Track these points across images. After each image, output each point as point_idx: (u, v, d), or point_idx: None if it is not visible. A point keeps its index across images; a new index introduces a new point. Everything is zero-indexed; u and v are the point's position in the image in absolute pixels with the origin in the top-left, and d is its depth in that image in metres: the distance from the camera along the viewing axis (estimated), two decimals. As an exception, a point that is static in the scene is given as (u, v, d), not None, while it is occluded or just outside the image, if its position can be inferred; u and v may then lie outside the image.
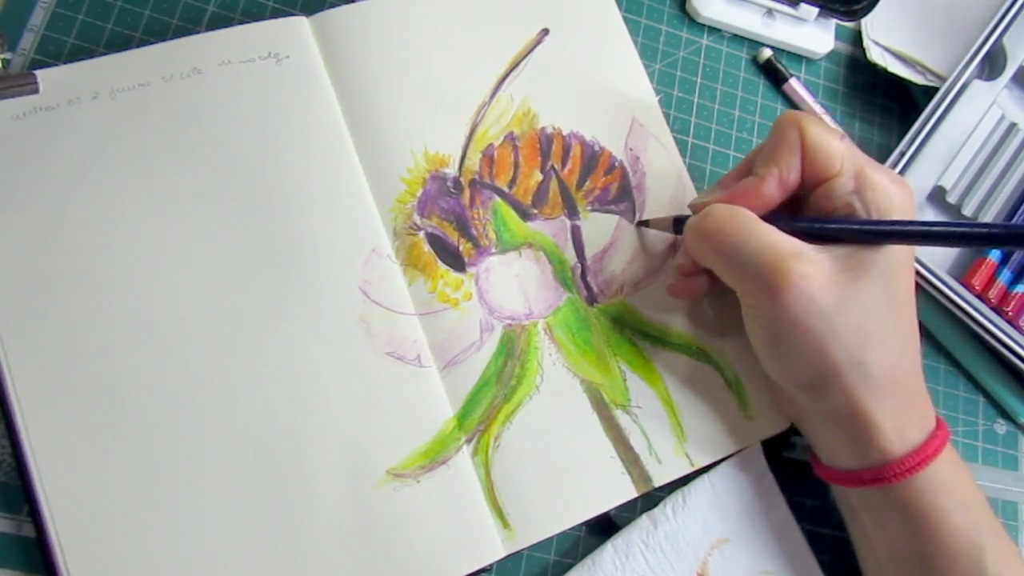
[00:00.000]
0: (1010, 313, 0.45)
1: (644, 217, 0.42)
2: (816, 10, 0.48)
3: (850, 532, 0.39)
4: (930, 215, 0.47)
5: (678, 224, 0.39)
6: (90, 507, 0.33)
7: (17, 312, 0.35)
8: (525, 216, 0.41)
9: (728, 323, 0.41)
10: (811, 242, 0.34)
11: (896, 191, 0.35)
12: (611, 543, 0.38)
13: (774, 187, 0.36)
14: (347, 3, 0.42)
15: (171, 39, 0.40)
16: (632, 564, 0.38)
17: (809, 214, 0.37)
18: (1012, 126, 0.48)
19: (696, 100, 0.47)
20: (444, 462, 0.37)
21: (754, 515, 0.40)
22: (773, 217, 0.36)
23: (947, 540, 0.34)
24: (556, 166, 0.42)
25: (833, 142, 0.35)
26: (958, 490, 0.35)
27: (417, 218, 0.40)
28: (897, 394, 0.34)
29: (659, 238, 0.42)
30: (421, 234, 0.40)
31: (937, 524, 0.34)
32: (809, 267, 0.33)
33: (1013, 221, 0.46)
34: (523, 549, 0.37)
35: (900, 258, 0.35)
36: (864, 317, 0.33)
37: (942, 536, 0.34)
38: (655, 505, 0.39)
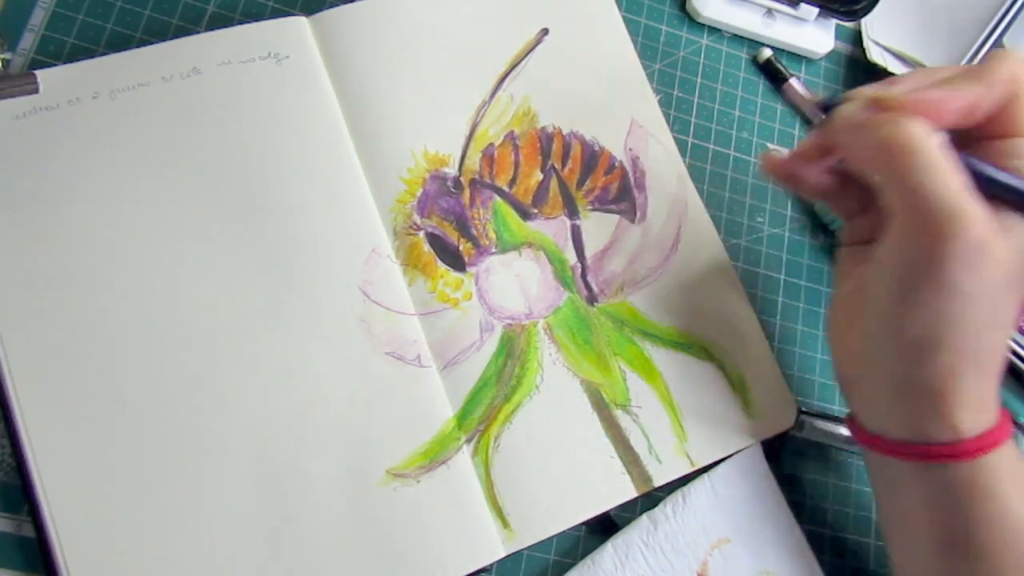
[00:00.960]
0: (1010, 313, 0.44)
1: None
2: (816, 10, 0.48)
3: (883, 510, 0.37)
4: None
5: (827, 107, 0.35)
6: (90, 507, 0.33)
7: (17, 312, 0.35)
8: (525, 216, 0.41)
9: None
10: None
11: None
12: (611, 543, 0.38)
13: (963, 110, 0.32)
14: (347, 3, 0.42)
15: (171, 39, 0.40)
16: (632, 564, 0.38)
17: None
18: (1012, 126, 0.48)
19: (696, 100, 0.47)
20: (444, 462, 0.37)
21: (754, 515, 0.40)
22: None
23: (1007, 524, 0.33)
24: (556, 165, 0.42)
25: None
26: (1020, 476, 0.33)
27: (417, 218, 0.40)
28: (987, 378, 0.33)
29: (660, 238, 0.42)
30: (421, 234, 0.40)
31: (996, 508, 0.33)
32: (987, 231, 0.30)
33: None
34: (523, 549, 0.37)
35: None
36: (1004, 298, 0.32)
37: (999, 521, 0.33)
38: (655, 505, 0.39)
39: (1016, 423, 0.47)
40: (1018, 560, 0.33)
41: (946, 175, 0.31)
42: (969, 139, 0.34)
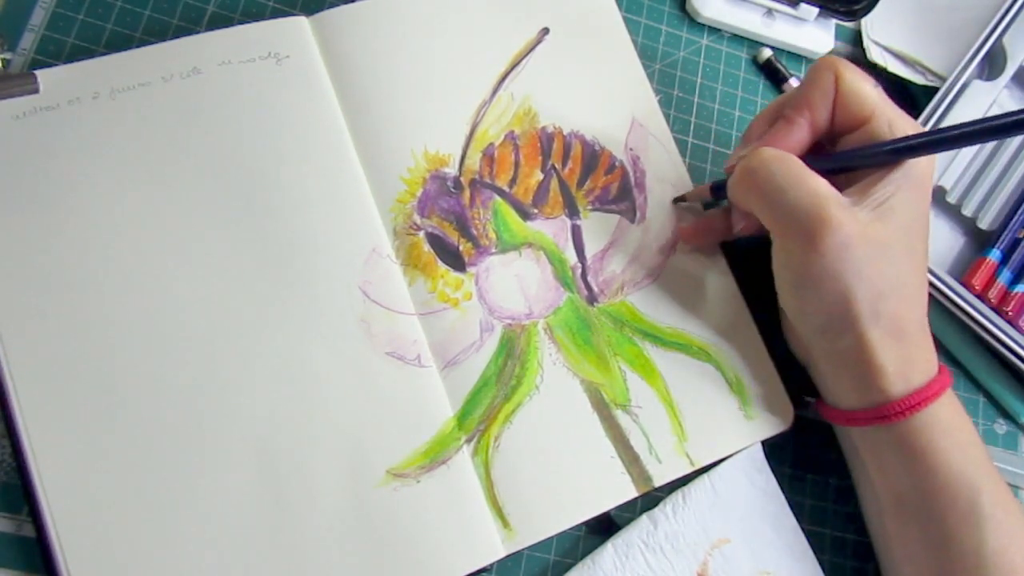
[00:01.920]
0: (1010, 313, 0.45)
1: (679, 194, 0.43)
2: (816, 10, 0.48)
3: (853, 478, 0.41)
4: (930, 215, 0.47)
5: (716, 190, 0.40)
6: (90, 507, 0.33)
7: (17, 312, 0.35)
8: (525, 216, 0.41)
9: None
10: (837, 185, 0.35)
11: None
12: (611, 543, 0.38)
13: (806, 131, 0.37)
14: (347, 3, 0.42)
15: (171, 39, 0.40)
16: (632, 564, 0.38)
17: None
18: (1012, 126, 0.48)
19: (696, 100, 0.47)
20: (444, 462, 0.37)
21: (754, 515, 0.40)
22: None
23: (945, 481, 0.35)
24: (557, 165, 0.42)
25: (867, 88, 0.36)
26: (956, 433, 0.35)
27: (417, 218, 0.40)
28: (904, 339, 0.35)
29: (659, 238, 0.42)
30: (421, 234, 0.40)
31: (935, 464, 0.35)
32: (848, 216, 0.34)
33: (1013, 221, 0.46)
34: (523, 549, 0.37)
35: (920, 209, 0.36)
36: (887, 266, 0.34)
37: (940, 476, 0.35)
38: (655, 505, 0.39)
39: (1016, 423, 0.47)
40: (962, 517, 0.35)
41: (796, 185, 0.35)
42: (834, 137, 0.38)
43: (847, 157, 0.37)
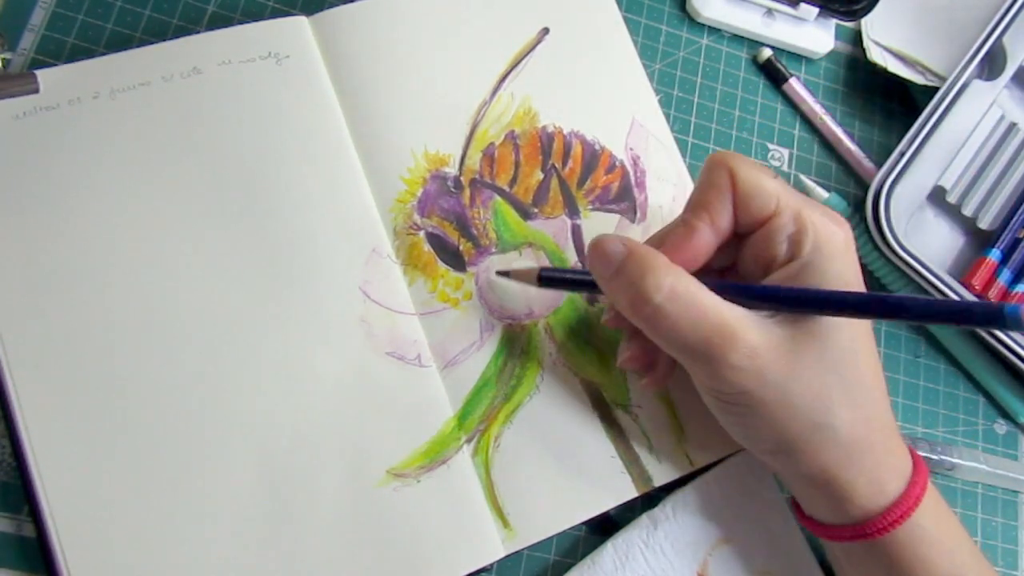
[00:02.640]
0: (1010, 313, 0.44)
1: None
2: (816, 10, 0.48)
3: None
4: (930, 215, 0.47)
5: (544, 280, 0.36)
6: (90, 507, 0.33)
7: (17, 312, 0.35)
8: (526, 215, 0.41)
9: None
10: (745, 305, 0.32)
11: (838, 231, 0.33)
12: (611, 543, 0.38)
13: (708, 235, 0.33)
14: (347, 3, 0.42)
15: (171, 39, 0.40)
16: (632, 564, 0.38)
17: (747, 263, 0.34)
18: (1012, 126, 0.48)
19: (696, 100, 0.47)
20: (444, 462, 0.37)
21: (754, 515, 0.40)
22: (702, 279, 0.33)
23: None
24: (557, 165, 0.42)
25: (766, 181, 0.33)
26: (943, 539, 0.34)
27: (417, 218, 0.40)
28: (871, 448, 0.33)
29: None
30: (421, 234, 0.40)
31: (924, 574, 0.33)
32: (753, 339, 0.31)
33: (1013, 221, 0.46)
34: (523, 549, 0.37)
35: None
36: (824, 379, 0.31)
37: None
38: (655, 505, 0.39)
39: (1016, 423, 0.47)
40: None
41: (694, 318, 0.31)
42: (743, 237, 0.34)
43: (753, 292, 0.32)
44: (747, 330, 0.31)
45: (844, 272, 0.32)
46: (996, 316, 0.28)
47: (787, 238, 0.33)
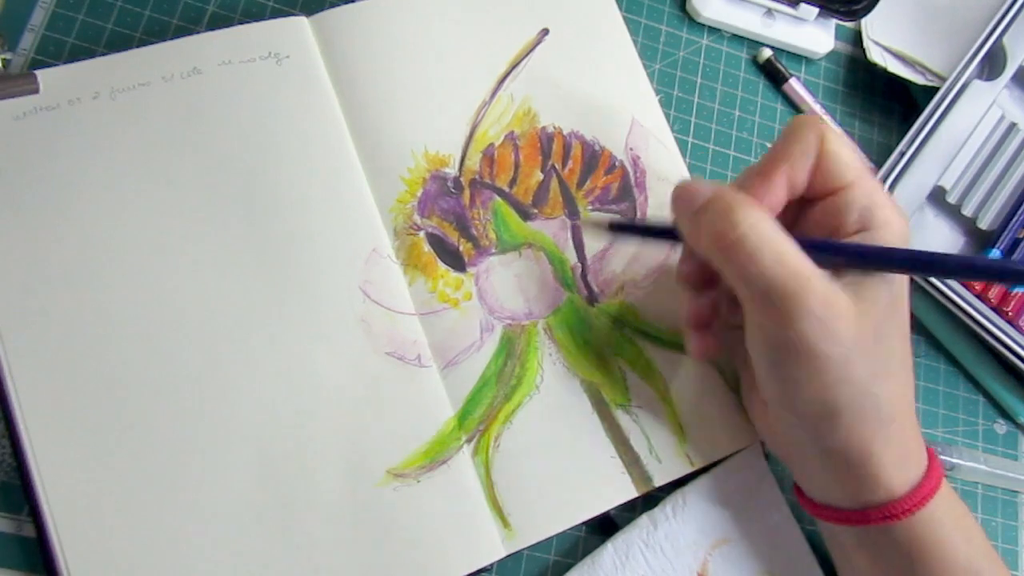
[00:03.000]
0: (1010, 313, 0.45)
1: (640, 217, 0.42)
2: (816, 10, 0.48)
3: (838, 569, 0.38)
4: (930, 215, 0.47)
5: (615, 228, 0.38)
6: (90, 507, 0.33)
7: (17, 311, 0.35)
8: (525, 216, 0.41)
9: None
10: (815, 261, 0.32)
11: (901, 220, 0.33)
12: (611, 543, 0.38)
13: (783, 189, 0.33)
14: (347, 3, 0.42)
15: (171, 39, 0.40)
16: (632, 564, 0.38)
17: (811, 228, 0.34)
18: (1012, 126, 0.48)
19: (696, 100, 0.47)
20: (444, 462, 0.37)
21: (754, 515, 0.40)
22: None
23: (952, 574, 0.33)
24: (557, 165, 0.42)
25: (850, 154, 0.33)
26: (960, 521, 0.34)
27: (417, 218, 0.40)
28: (903, 426, 0.33)
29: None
30: (421, 234, 0.40)
31: (940, 559, 0.33)
32: (831, 294, 0.31)
33: (1013, 221, 0.46)
34: (523, 549, 0.37)
35: (902, 290, 0.33)
36: (880, 347, 0.31)
37: (945, 571, 0.33)
38: (655, 505, 0.39)
39: (1016, 423, 0.47)
40: None
41: (776, 256, 0.31)
42: (807, 203, 0.34)
43: (839, 249, 0.33)
44: (823, 281, 0.31)
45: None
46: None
47: (859, 210, 0.33)
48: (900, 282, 0.33)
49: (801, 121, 0.34)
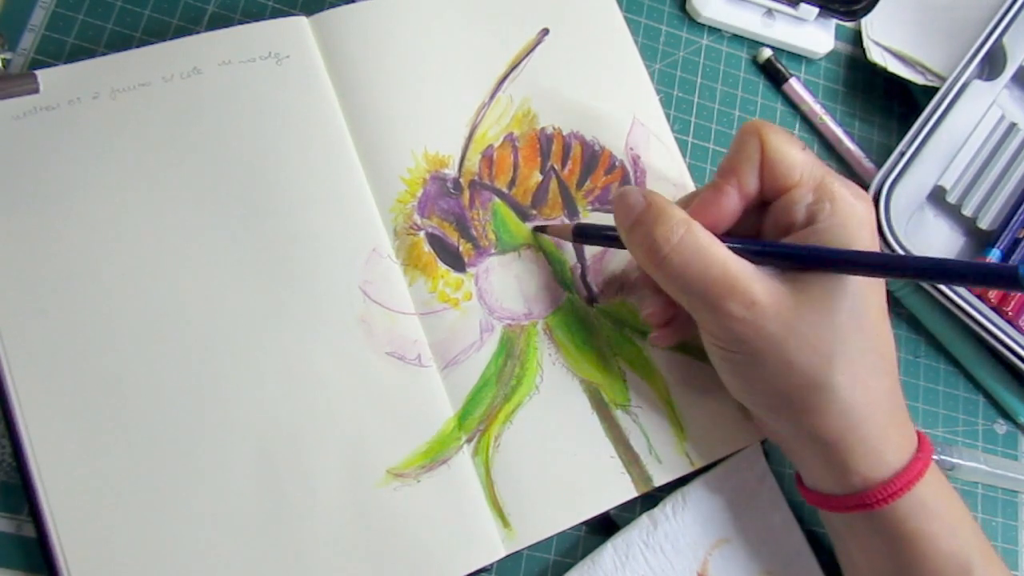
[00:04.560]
0: (1010, 313, 0.45)
1: None
2: (816, 10, 0.48)
3: (837, 555, 0.39)
4: (930, 215, 0.47)
5: (578, 233, 0.39)
6: (90, 507, 0.33)
7: (17, 311, 0.35)
8: (524, 217, 0.41)
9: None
10: (752, 261, 0.33)
11: (857, 204, 0.34)
12: (611, 543, 0.38)
13: (735, 198, 0.35)
14: (347, 3, 0.42)
15: (171, 39, 0.40)
16: (632, 564, 0.38)
17: (770, 228, 0.35)
18: (1012, 126, 0.48)
19: (696, 100, 0.47)
20: (444, 462, 0.37)
21: (754, 515, 0.40)
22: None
23: (934, 566, 0.33)
24: (556, 166, 0.42)
25: (793, 152, 0.34)
26: (944, 514, 0.34)
27: (417, 218, 0.40)
28: (873, 417, 0.33)
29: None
30: (421, 234, 0.40)
31: (923, 549, 0.33)
32: (755, 291, 0.32)
33: (1013, 221, 0.46)
34: (523, 549, 0.37)
35: (862, 282, 0.33)
36: (824, 339, 0.32)
37: (928, 562, 0.33)
38: (655, 505, 0.39)
39: (1016, 423, 0.47)
40: None
41: (702, 266, 0.32)
42: (767, 203, 0.35)
43: (752, 243, 0.34)
44: (750, 282, 0.32)
45: (856, 241, 0.33)
46: (1012, 278, 0.27)
47: (805, 207, 0.34)
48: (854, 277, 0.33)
49: (744, 128, 0.35)
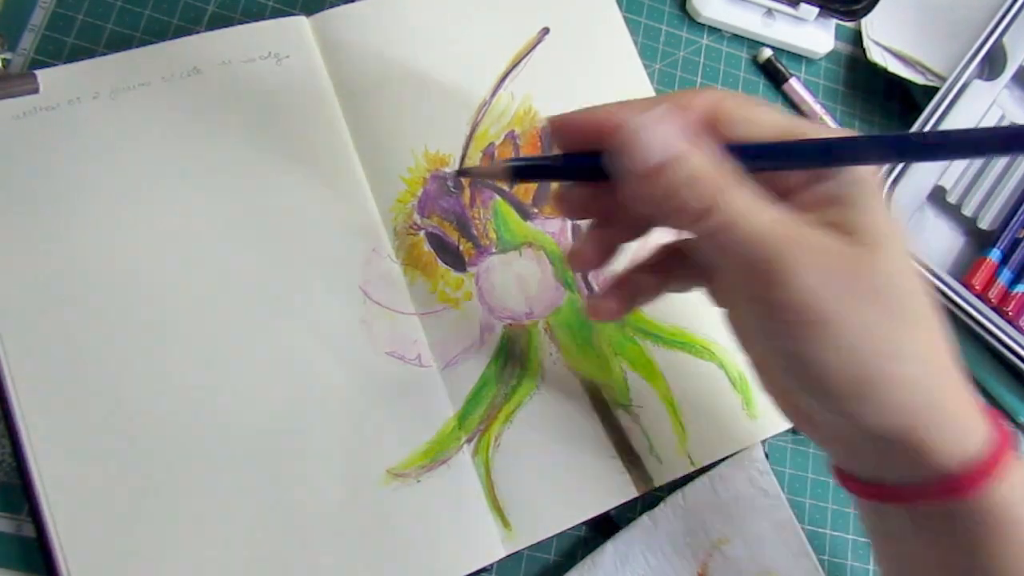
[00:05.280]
0: (1010, 313, 0.45)
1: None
2: (816, 10, 0.48)
3: (884, 560, 0.33)
4: (930, 215, 0.47)
5: (518, 173, 0.31)
6: (90, 507, 0.33)
7: (17, 312, 0.35)
8: (525, 215, 0.41)
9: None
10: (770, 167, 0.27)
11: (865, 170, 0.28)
12: (611, 543, 0.38)
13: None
14: (347, 3, 0.42)
15: (171, 39, 0.40)
16: (632, 564, 0.38)
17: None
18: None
19: (696, 100, 0.47)
20: (444, 462, 0.37)
21: (755, 515, 0.40)
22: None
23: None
24: (556, 166, 0.42)
25: (760, 113, 0.28)
26: None
27: (417, 218, 0.40)
28: (949, 387, 0.27)
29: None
30: (421, 234, 0.40)
31: (1012, 542, 0.28)
32: (818, 242, 0.26)
33: (1013, 221, 0.46)
34: (523, 549, 0.37)
35: (894, 222, 0.28)
36: (891, 302, 0.26)
37: (1018, 556, 0.28)
38: (655, 505, 0.39)
39: (1016, 423, 0.47)
40: None
41: (758, 223, 0.26)
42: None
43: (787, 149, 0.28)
44: (810, 234, 0.26)
45: (873, 194, 0.28)
46: None
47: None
48: (887, 212, 0.27)
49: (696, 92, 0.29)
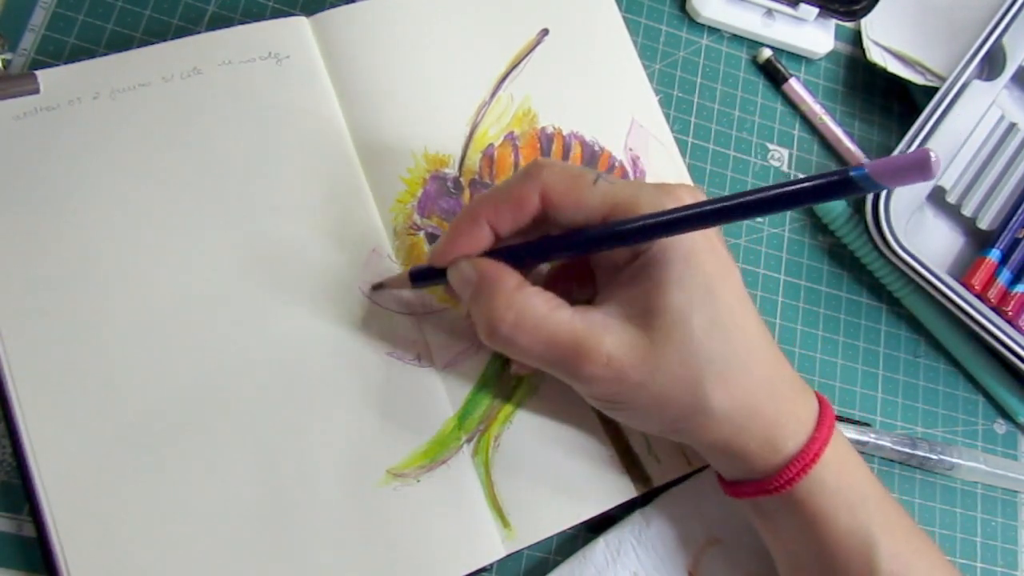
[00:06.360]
0: (1010, 313, 0.45)
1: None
2: (816, 10, 0.48)
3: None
4: (930, 215, 0.47)
5: (416, 277, 0.36)
6: (90, 507, 0.33)
7: (17, 311, 0.35)
8: (525, 216, 0.41)
9: None
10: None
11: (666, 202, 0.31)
12: (603, 538, 0.38)
13: (486, 230, 0.33)
14: (347, 3, 0.42)
15: (171, 39, 0.40)
16: (623, 560, 0.38)
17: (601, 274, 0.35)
18: (1012, 126, 0.48)
19: (696, 100, 0.47)
20: (444, 462, 0.37)
21: (746, 516, 0.39)
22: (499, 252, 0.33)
23: (837, 542, 0.33)
24: (556, 166, 0.42)
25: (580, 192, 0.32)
26: (846, 491, 0.33)
27: (417, 218, 0.40)
28: (759, 414, 0.32)
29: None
30: (421, 234, 0.40)
31: (827, 527, 0.33)
32: (608, 346, 0.31)
33: (1013, 221, 0.46)
34: (523, 549, 0.37)
35: (699, 277, 0.32)
36: (690, 367, 0.31)
37: (832, 539, 0.33)
38: (649, 503, 0.39)
39: (1016, 423, 0.47)
40: (860, 574, 0.33)
41: (548, 336, 0.31)
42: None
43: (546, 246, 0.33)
44: (600, 338, 0.31)
45: (692, 249, 0.32)
46: (846, 183, 0.25)
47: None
48: (695, 270, 0.31)
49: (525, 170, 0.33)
